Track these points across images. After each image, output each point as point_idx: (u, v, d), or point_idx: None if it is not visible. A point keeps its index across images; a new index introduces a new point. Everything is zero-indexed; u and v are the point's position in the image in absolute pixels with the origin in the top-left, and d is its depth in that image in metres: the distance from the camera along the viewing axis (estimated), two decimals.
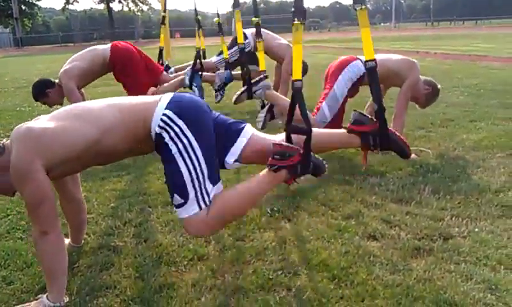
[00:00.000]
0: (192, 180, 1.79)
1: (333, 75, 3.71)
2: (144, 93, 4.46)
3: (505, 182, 3.03)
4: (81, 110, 1.89)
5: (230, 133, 1.98)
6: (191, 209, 1.80)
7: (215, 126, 1.92)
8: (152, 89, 4.38)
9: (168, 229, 2.54)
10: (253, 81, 3.50)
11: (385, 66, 3.53)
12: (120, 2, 51.46)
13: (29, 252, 2.31)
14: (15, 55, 26.44)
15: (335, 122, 3.57)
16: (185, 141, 1.78)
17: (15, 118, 6.04)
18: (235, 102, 3.61)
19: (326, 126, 3.52)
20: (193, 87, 4.43)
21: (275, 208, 2.74)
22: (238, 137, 1.97)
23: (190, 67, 4.63)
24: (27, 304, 1.87)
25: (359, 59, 3.66)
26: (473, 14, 58.06)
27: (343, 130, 2.15)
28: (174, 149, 1.79)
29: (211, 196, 1.83)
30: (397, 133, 2.17)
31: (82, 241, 2.40)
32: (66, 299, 1.89)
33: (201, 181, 1.80)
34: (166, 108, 1.82)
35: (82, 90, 4.35)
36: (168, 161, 1.82)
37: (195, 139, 1.79)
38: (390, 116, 2.23)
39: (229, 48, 5.31)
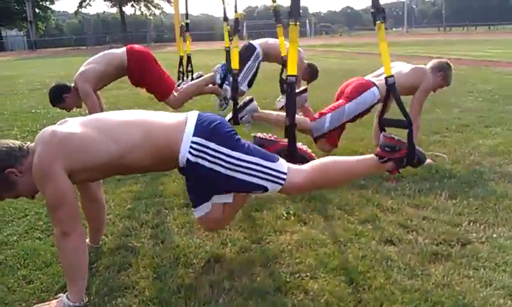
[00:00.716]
0: (256, 176, 1.90)
1: (350, 95, 3.67)
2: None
3: None
4: (108, 124, 1.90)
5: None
6: (276, 189, 1.96)
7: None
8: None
9: (184, 231, 2.55)
10: (238, 106, 3.30)
11: (400, 85, 3.54)
12: (132, 6, 51.77)
13: (48, 252, 2.34)
14: (29, 57, 26.69)
15: (331, 137, 3.59)
16: (224, 157, 1.86)
17: (30, 119, 6.10)
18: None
19: (319, 137, 3.56)
20: (225, 85, 4.29)
21: (291, 212, 2.74)
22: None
23: (221, 65, 4.45)
24: (47, 303, 1.90)
25: (376, 85, 3.63)
26: (486, 19, 57.52)
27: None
28: (222, 170, 1.86)
29: (282, 168, 1.94)
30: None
31: (100, 242, 2.42)
32: (86, 299, 1.90)
33: (264, 170, 1.90)
34: (194, 135, 1.85)
35: (98, 93, 4.35)
36: (225, 182, 1.90)
37: (231, 149, 1.87)
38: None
39: (244, 60, 5.19)
